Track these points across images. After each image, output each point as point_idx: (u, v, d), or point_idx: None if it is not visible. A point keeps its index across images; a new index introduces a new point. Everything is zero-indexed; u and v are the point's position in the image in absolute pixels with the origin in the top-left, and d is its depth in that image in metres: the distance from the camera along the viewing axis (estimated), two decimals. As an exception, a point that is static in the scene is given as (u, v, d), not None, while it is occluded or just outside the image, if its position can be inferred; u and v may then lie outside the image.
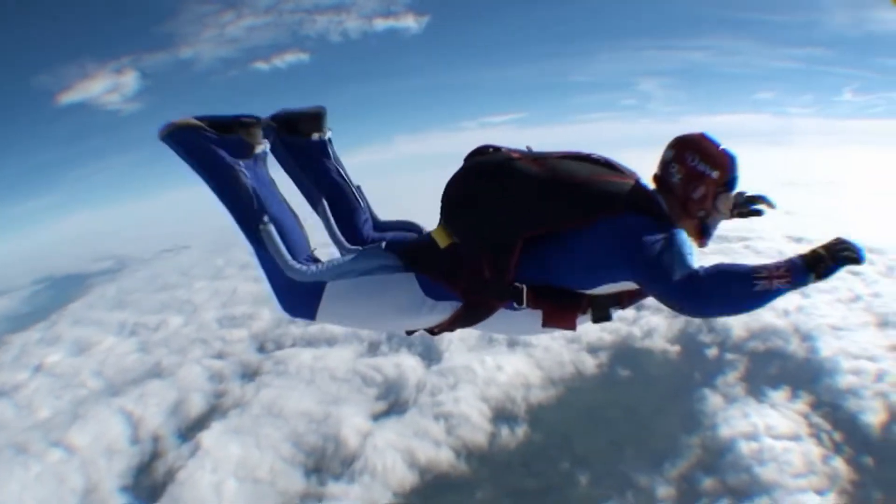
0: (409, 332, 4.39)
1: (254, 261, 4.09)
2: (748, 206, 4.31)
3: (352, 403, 48.73)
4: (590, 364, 51.65)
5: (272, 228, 3.90)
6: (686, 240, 3.58)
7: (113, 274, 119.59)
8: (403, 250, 4.09)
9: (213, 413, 50.40)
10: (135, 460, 45.60)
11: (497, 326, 4.07)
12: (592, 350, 52.90)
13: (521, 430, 44.91)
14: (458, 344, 54.02)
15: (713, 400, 46.15)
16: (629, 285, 3.66)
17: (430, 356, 53.40)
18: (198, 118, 3.88)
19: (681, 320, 54.73)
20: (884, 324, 52.12)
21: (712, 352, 51.97)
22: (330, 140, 4.52)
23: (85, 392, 57.16)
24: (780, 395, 45.78)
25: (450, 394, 47.82)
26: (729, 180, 3.88)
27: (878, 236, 67.63)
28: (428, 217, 4.29)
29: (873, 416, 41.65)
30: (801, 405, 44.50)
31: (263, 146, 4.06)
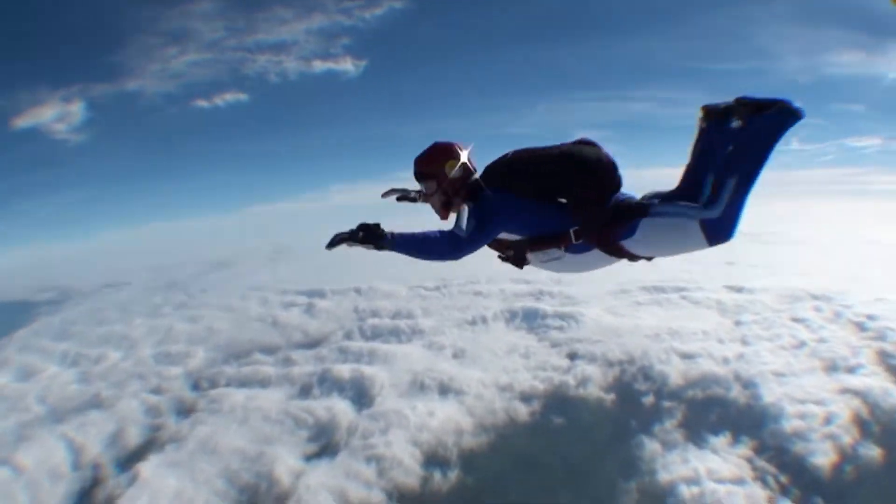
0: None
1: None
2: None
3: (284, 444, 48.71)
4: (522, 412, 51.43)
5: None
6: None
7: (57, 305, 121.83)
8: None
9: (150, 446, 50.55)
10: (77, 486, 45.92)
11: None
12: (525, 398, 52.85)
13: (454, 475, 44.56)
14: (390, 389, 54.96)
15: (651, 446, 45.81)
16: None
17: (362, 400, 53.90)
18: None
19: (616, 369, 55.71)
20: (832, 368, 52.33)
21: (649, 399, 51.76)
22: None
23: (30, 416, 57.85)
24: (721, 441, 45.62)
25: (381, 437, 47.71)
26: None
27: (824, 285, 70.20)
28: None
29: (823, 458, 41.57)
30: (745, 450, 44.33)
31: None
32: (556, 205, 5.25)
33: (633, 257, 5.35)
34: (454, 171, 5.17)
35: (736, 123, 4.82)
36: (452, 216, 5.18)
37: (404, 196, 5.65)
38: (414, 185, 5.53)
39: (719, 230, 4.91)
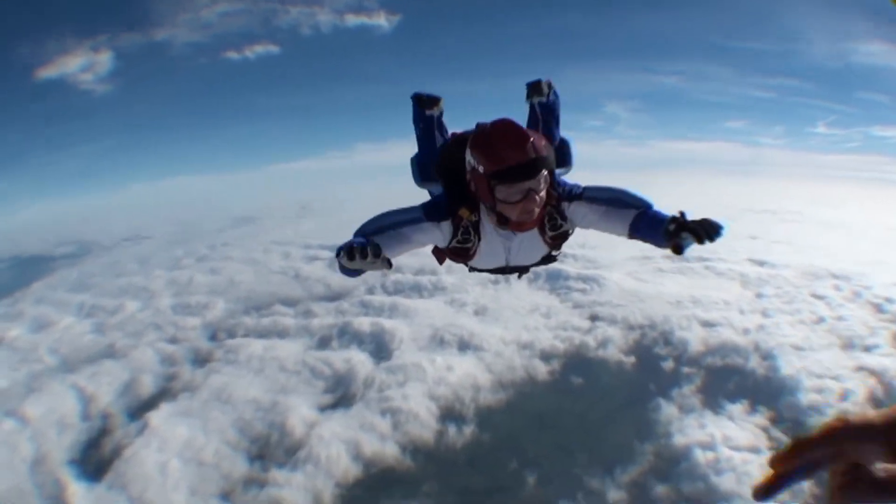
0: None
1: None
2: (676, 239, 3.87)
3: (299, 394, 48.63)
4: (542, 371, 51.37)
5: None
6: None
7: (76, 258, 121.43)
8: None
9: (162, 395, 50.33)
10: (84, 435, 45.41)
11: None
12: (545, 357, 52.81)
13: (469, 430, 44.51)
14: (409, 343, 54.78)
15: (668, 410, 45.81)
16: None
17: (381, 353, 53.73)
18: None
19: (637, 332, 55.68)
20: (849, 346, 51.90)
21: (668, 364, 51.63)
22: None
23: (41, 367, 57.46)
24: (738, 409, 45.37)
25: (398, 390, 47.65)
26: (495, 173, 4.17)
27: (845, 265, 69.95)
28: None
29: None
30: (761, 419, 44.05)
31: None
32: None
33: None
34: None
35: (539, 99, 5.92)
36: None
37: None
38: None
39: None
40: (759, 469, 37.72)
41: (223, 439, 43.42)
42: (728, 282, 68.14)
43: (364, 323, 59.02)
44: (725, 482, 37.83)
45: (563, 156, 5.71)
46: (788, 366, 48.80)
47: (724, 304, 61.02)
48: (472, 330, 56.58)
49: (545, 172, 4.20)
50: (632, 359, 52.74)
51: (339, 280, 73.71)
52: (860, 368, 47.89)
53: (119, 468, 40.31)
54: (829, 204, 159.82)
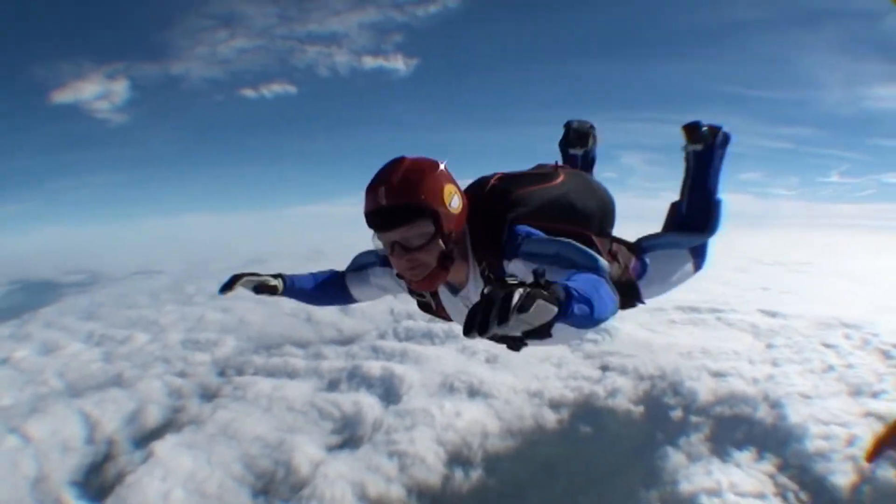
0: None
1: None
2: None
3: (306, 434, 48.76)
4: (550, 419, 51.55)
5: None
6: None
7: (85, 287, 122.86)
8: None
9: (168, 426, 50.55)
10: (87, 459, 45.65)
11: None
12: (554, 406, 52.93)
13: (476, 475, 44.60)
14: (419, 388, 54.75)
15: (676, 458, 45.79)
16: None
17: (390, 397, 53.77)
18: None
19: (647, 383, 55.81)
20: (857, 393, 51.91)
21: (677, 414, 51.78)
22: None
23: (46, 389, 57.80)
24: (745, 457, 45.40)
25: (406, 434, 47.66)
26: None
27: (855, 314, 70.16)
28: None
29: (843, 478, 41.04)
30: (768, 466, 44.10)
31: None
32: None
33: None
34: (454, 203, 3.70)
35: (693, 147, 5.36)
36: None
37: (263, 286, 4.81)
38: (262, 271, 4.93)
39: (703, 254, 5.30)
40: None
41: (228, 473, 43.51)
42: (739, 332, 68.19)
43: (374, 367, 59.00)
44: None
45: (704, 219, 5.27)
46: (796, 414, 48.88)
47: (734, 355, 61.08)
48: (483, 377, 56.56)
49: (414, 224, 3.55)
50: (640, 408, 52.98)
51: (351, 324, 75.46)
52: (867, 414, 47.69)
53: (121, 493, 40.42)
54: (839, 253, 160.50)
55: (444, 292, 4.24)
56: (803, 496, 40.60)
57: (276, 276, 4.70)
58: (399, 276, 3.89)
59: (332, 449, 46.87)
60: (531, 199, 4.00)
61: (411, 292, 4.37)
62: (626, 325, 68.04)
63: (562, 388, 55.30)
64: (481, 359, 62.16)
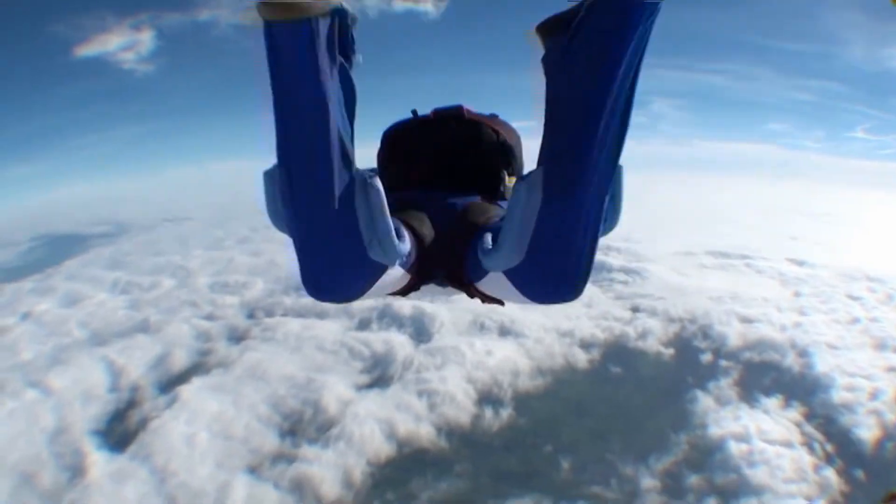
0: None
1: None
2: None
3: (336, 373, 48.60)
4: (581, 359, 51.50)
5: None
6: None
7: (112, 238, 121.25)
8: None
9: (195, 369, 50.55)
10: (110, 407, 45.66)
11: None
12: (585, 346, 52.92)
13: (506, 414, 44.53)
14: (450, 327, 54.73)
15: (705, 402, 45.86)
16: None
17: (420, 336, 53.77)
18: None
19: (677, 325, 55.96)
20: (881, 346, 52.19)
21: (707, 357, 51.78)
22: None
23: (69, 340, 57.79)
24: (773, 403, 45.57)
25: (436, 373, 47.76)
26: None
27: (880, 267, 69.99)
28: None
29: (867, 432, 41.26)
30: (795, 414, 44.22)
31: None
32: None
33: None
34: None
35: None
36: None
37: None
38: None
39: None
40: (791, 463, 38.01)
41: (254, 414, 43.56)
42: (768, 280, 68.62)
43: (405, 306, 58.05)
44: (758, 475, 37.92)
45: None
46: (823, 363, 49.00)
47: (762, 302, 61.20)
48: (513, 316, 55.90)
49: None
50: (671, 351, 53.07)
51: None
52: (891, 369, 48.14)
53: (144, 440, 40.53)
54: (867, 209, 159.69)
55: None
56: (829, 448, 40.56)
57: None
58: None
59: (361, 388, 46.96)
60: None
61: None
62: (657, 267, 69.36)
63: (592, 328, 55.36)
64: None
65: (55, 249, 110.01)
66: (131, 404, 45.96)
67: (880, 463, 38.97)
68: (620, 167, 2.82)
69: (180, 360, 52.33)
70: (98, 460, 38.85)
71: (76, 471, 37.89)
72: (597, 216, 2.74)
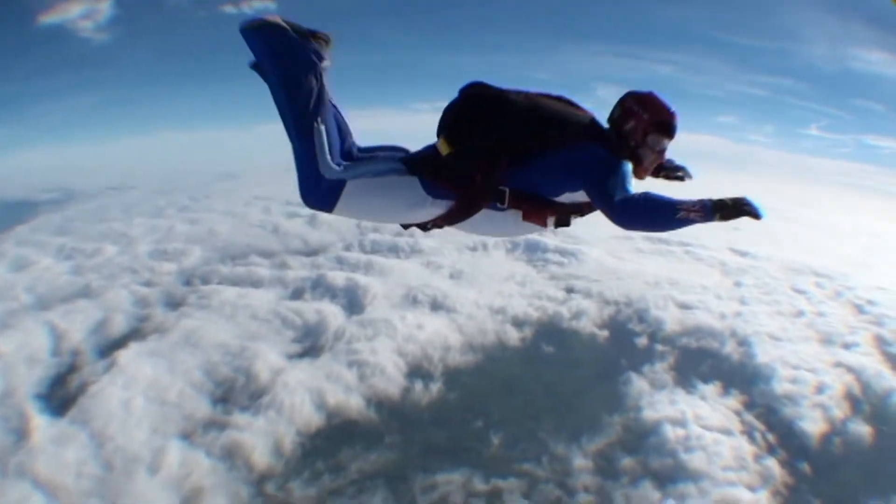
0: (406, 227, 5.13)
1: (293, 154, 4.52)
2: (673, 172, 5.38)
3: (268, 342, 49.01)
4: (513, 336, 52.05)
5: (323, 128, 4.40)
6: (629, 171, 4.39)
7: (61, 204, 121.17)
8: (408, 159, 4.77)
9: (133, 335, 50.64)
10: (52, 371, 45.73)
11: (482, 226, 4.93)
12: (517, 323, 53.54)
13: (436, 388, 44.98)
14: (382, 300, 55.50)
15: (639, 384, 46.32)
16: (585, 197, 4.53)
17: (353, 307, 54.34)
18: (284, 20, 4.36)
19: (612, 308, 56.29)
20: (827, 342, 52.99)
21: (642, 341, 52.42)
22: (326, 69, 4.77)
23: (17, 305, 57.72)
24: (710, 390, 46.11)
25: (367, 344, 48.13)
26: (658, 122, 4.63)
27: (828, 265, 71.90)
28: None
29: (812, 426, 41.81)
30: (733, 402, 44.82)
31: (329, 62, 4.54)
32: None
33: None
34: None
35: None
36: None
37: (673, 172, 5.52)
38: None
39: None
40: (730, 451, 38.07)
41: (188, 381, 43.59)
42: (707, 268, 69.25)
43: (338, 277, 59.43)
44: (695, 460, 38.12)
45: None
46: (764, 354, 49.63)
47: (701, 289, 61.80)
48: (446, 292, 57.10)
49: None
50: (605, 333, 53.32)
51: (317, 236, 76.78)
52: (838, 364, 48.74)
53: (83, 404, 40.45)
54: (815, 206, 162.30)
55: None
56: (770, 438, 40.91)
57: None
58: (637, 161, 4.70)
59: (292, 357, 47.18)
60: None
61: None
62: (594, 249, 69.70)
63: (525, 306, 55.82)
64: (445, 274, 63.40)
65: (6, 215, 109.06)
66: (72, 368, 46.00)
67: (826, 457, 39.48)
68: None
69: (119, 325, 52.46)
70: (41, 424, 39.04)
71: (21, 434, 38.12)
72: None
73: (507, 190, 4.55)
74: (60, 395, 42.43)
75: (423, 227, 4.97)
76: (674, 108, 4.66)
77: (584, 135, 4.57)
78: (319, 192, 4.47)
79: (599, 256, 67.91)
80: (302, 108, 4.39)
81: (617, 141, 4.64)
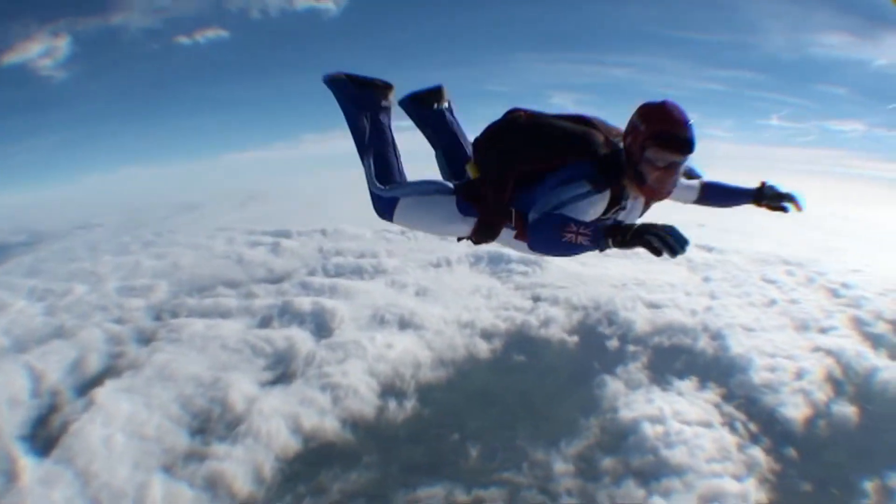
0: (458, 239, 5.31)
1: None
2: (777, 201, 5.28)
3: (240, 371, 49.20)
4: (483, 349, 52.50)
5: (371, 159, 5.29)
6: (575, 192, 4.32)
7: (30, 245, 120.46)
8: (457, 182, 5.17)
9: (108, 372, 50.70)
10: (34, 412, 45.84)
11: (512, 243, 5.06)
12: (486, 336, 53.97)
13: (410, 405, 45.38)
14: (349, 322, 55.80)
15: (614, 386, 46.73)
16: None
17: (321, 332, 54.58)
18: (346, 74, 5.59)
19: (580, 313, 56.94)
20: (803, 328, 53.72)
21: (613, 343, 52.80)
22: (448, 107, 5.82)
23: None
24: (687, 385, 46.59)
25: (338, 367, 48.45)
26: (655, 133, 4.21)
27: (798, 253, 72.96)
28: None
29: (795, 411, 42.28)
30: (712, 395, 45.35)
31: (388, 103, 5.56)
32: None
33: None
34: None
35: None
36: None
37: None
38: None
39: None
40: (712, 443, 38.07)
41: (165, 414, 43.77)
42: (674, 266, 68.28)
43: (304, 303, 59.73)
44: (677, 455, 38.47)
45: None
46: (738, 345, 50.23)
47: (669, 287, 62.41)
48: (413, 309, 57.32)
49: (687, 161, 4.36)
50: (575, 338, 53.72)
51: (280, 263, 77.41)
52: (816, 349, 49.34)
53: (66, 443, 40.49)
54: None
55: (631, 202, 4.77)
56: (752, 427, 41.40)
57: None
58: (640, 180, 4.40)
59: (265, 385, 47.43)
60: None
61: (617, 204, 4.64)
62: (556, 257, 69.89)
63: (493, 318, 56.24)
64: (411, 292, 63.58)
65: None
66: (52, 409, 46.05)
67: (812, 440, 39.92)
68: None
69: (94, 363, 52.33)
70: (27, 465, 39.14)
71: (9, 476, 38.27)
72: None
73: (514, 211, 4.74)
74: (44, 436, 42.38)
75: (470, 240, 5.19)
76: (684, 117, 4.22)
77: (581, 154, 4.56)
78: (379, 206, 5.20)
79: (563, 263, 66.65)
80: (359, 140, 5.38)
81: (626, 159, 4.44)
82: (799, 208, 5.27)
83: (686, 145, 4.19)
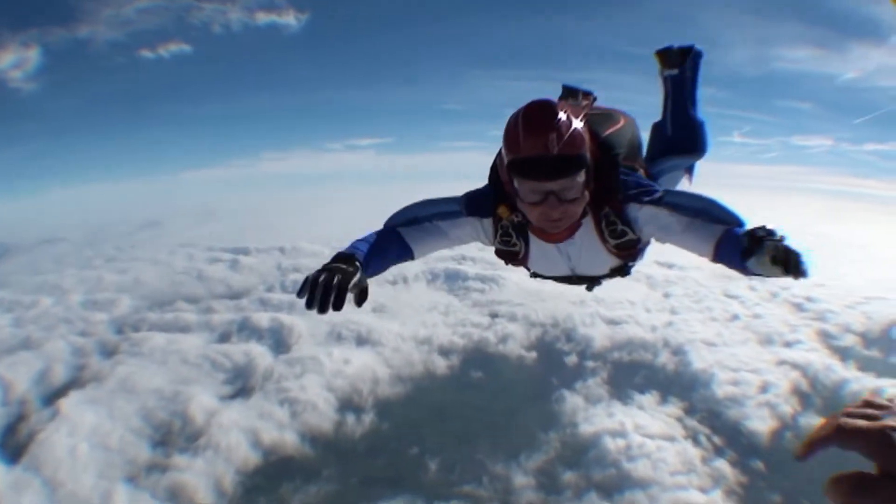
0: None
1: None
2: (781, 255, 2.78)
3: (200, 385, 49.71)
4: (441, 365, 53.12)
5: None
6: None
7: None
8: None
9: (73, 383, 51.07)
10: (3, 420, 46.27)
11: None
12: (444, 352, 54.62)
13: (368, 420, 45.90)
14: (307, 338, 56.04)
15: (573, 401, 47.11)
16: None
17: (279, 347, 55.15)
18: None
19: (538, 329, 57.46)
20: (767, 342, 54.38)
21: (571, 359, 53.22)
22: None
23: None
24: (648, 400, 47.12)
25: (296, 382, 48.92)
26: (511, 161, 3.31)
27: None
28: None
29: (761, 424, 42.62)
30: (674, 409, 45.86)
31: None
32: None
33: None
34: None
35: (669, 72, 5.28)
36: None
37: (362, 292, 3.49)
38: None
39: (693, 169, 5.35)
40: (675, 456, 38.04)
41: (128, 426, 44.12)
42: (633, 283, 67.29)
43: (263, 318, 60.23)
44: (640, 468, 38.84)
45: (693, 140, 5.19)
46: (700, 360, 50.67)
47: (629, 304, 62.51)
48: (370, 326, 57.55)
49: (576, 176, 3.27)
50: (533, 354, 54.35)
51: (239, 279, 78.62)
52: (781, 362, 49.89)
53: (34, 451, 40.90)
54: (742, 212, 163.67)
55: (537, 241, 3.98)
56: (717, 440, 41.83)
57: (352, 266, 3.21)
58: (518, 224, 3.82)
59: (225, 398, 47.85)
60: (618, 141, 3.79)
61: (499, 239, 4.06)
62: (513, 274, 69.57)
63: (450, 334, 56.86)
64: (368, 308, 62.09)
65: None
66: (20, 417, 46.46)
67: (780, 453, 39.71)
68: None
69: (59, 374, 52.65)
70: None
71: None
72: None
73: None
74: (13, 444, 42.71)
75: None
76: (544, 121, 3.20)
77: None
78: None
79: (520, 280, 65.56)
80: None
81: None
82: (800, 274, 3.08)
83: (547, 167, 3.22)
